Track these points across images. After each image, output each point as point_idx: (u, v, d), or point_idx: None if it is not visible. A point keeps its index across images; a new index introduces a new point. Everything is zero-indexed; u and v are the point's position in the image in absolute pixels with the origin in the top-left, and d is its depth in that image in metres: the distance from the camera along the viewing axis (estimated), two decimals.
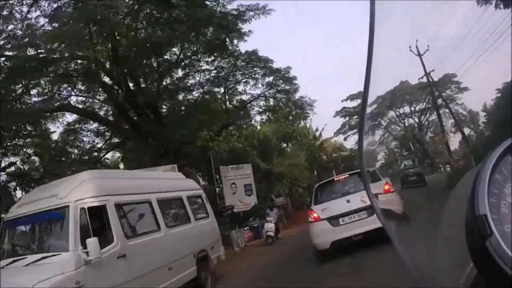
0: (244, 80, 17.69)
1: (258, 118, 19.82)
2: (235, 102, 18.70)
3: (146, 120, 14.71)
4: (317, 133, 36.93)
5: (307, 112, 19.18)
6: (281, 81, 17.80)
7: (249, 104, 18.61)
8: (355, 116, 34.56)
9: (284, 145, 32.66)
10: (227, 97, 18.04)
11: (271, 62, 17.06)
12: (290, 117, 20.50)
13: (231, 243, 15.35)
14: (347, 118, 36.72)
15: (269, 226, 15.38)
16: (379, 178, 7.15)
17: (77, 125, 16.86)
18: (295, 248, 11.87)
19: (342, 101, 36.34)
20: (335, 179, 8.80)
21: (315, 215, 7.47)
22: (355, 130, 34.38)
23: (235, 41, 15.82)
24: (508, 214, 0.49)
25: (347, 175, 8.29)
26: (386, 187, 7.14)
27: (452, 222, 0.67)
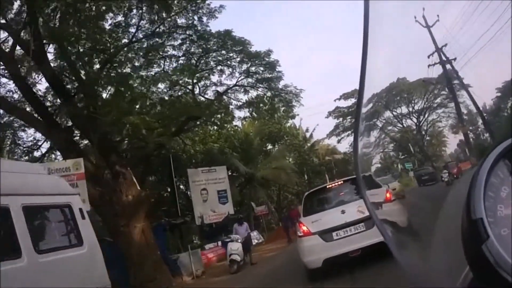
0: (219, 68, 17.08)
1: (237, 114, 19.11)
2: (209, 94, 18.02)
3: (67, 103, 13.43)
4: (308, 134, 37.58)
5: (293, 104, 18.35)
6: (261, 68, 17.12)
7: (224, 96, 17.74)
8: (350, 117, 35.19)
9: (270, 146, 32.83)
10: (196, 88, 17.27)
11: (248, 45, 16.26)
12: (277, 115, 19.65)
13: (179, 272, 13.08)
14: (341, 119, 37.59)
15: (234, 248, 12.85)
16: (378, 185, 7.27)
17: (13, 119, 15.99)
18: (271, 279, 9.85)
19: (335, 100, 37.32)
20: (328, 186, 8.88)
21: (304, 228, 7.43)
22: (349, 132, 35.03)
23: (205, 19, 15.44)
24: (505, 218, 0.57)
25: (342, 182, 8.38)
26: (388, 195, 7.26)
27: (449, 225, 0.76)
